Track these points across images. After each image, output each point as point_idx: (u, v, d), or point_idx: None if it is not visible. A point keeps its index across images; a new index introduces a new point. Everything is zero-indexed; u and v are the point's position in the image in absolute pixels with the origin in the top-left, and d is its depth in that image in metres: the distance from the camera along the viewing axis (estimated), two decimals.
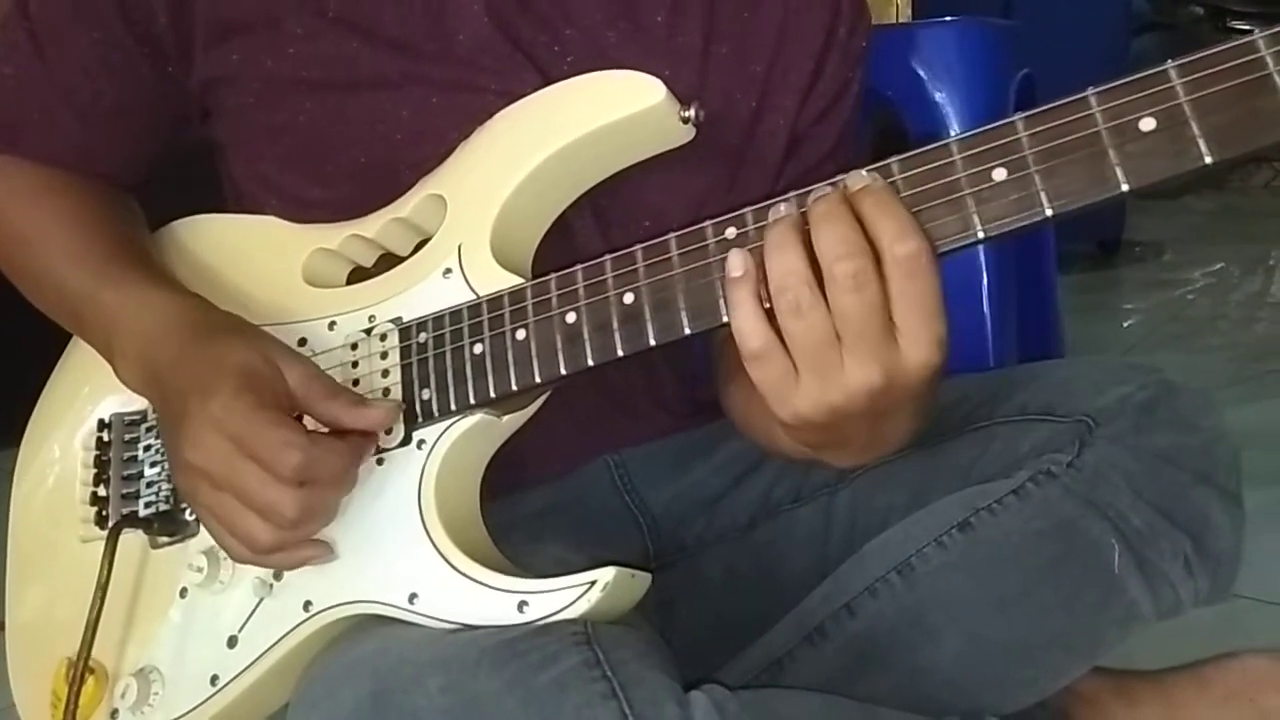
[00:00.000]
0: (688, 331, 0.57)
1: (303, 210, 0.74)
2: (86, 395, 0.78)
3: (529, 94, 0.67)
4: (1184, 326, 2.27)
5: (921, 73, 1.22)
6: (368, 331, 0.68)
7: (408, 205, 0.70)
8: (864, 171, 0.53)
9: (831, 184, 0.53)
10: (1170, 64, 0.47)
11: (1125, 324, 2.40)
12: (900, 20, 2.00)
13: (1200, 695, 0.83)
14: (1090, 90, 0.49)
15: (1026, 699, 0.71)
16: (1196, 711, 0.82)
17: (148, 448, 0.74)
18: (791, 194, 0.55)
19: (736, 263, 0.53)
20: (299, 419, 0.63)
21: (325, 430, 0.64)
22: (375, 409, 0.64)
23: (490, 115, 0.67)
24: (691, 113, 0.63)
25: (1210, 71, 0.46)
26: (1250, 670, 0.83)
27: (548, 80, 0.67)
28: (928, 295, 0.50)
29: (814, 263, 0.51)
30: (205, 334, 0.65)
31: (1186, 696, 0.83)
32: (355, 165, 0.71)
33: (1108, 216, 2.85)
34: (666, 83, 0.62)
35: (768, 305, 0.52)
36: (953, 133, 0.52)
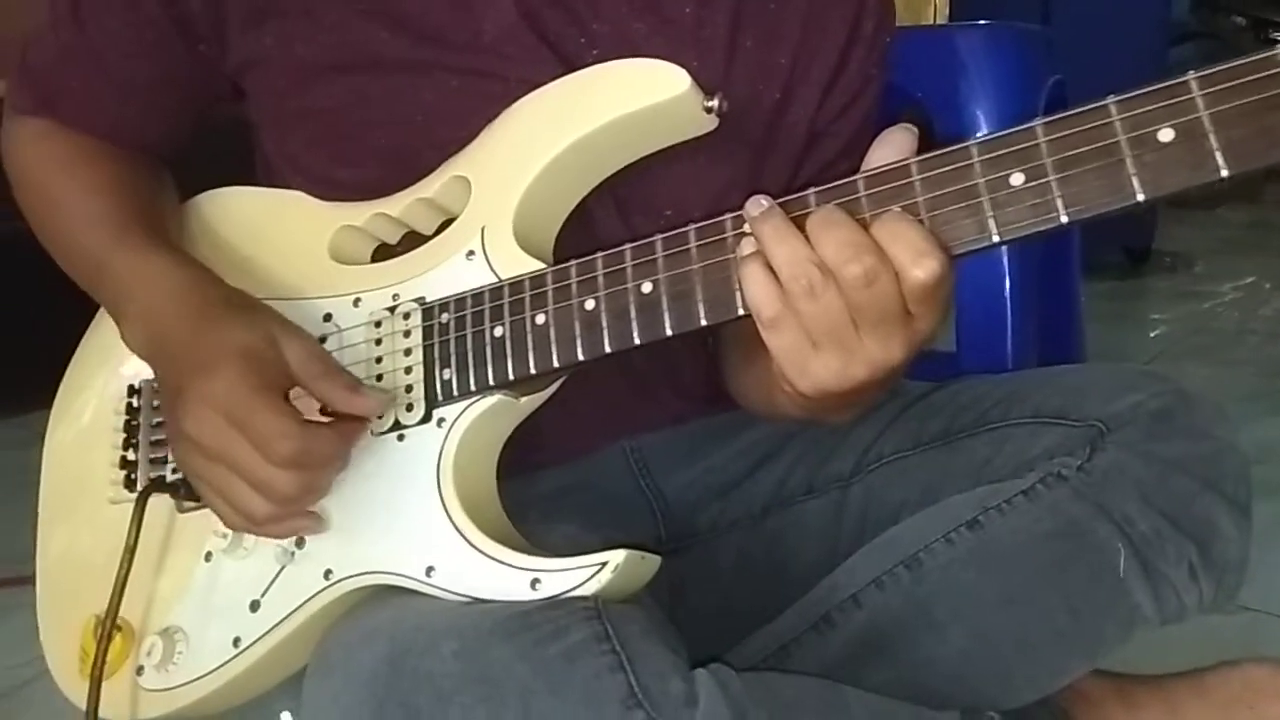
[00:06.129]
0: (704, 323, 0.58)
1: (330, 189, 0.75)
2: (117, 360, 0.80)
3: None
4: (1210, 339, 2.25)
5: (952, 75, 1.22)
6: (391, 310, 0.69)
7: (433, 186, 0.71)
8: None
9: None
10: (1191, 75, 0.47)
11: (1152, 334, 2.38)
12: (937, 21, 1.99)
13: (1201, 701, 0.83)
14: (1110, 99, 0.49)
15: (1028, 696, 0.72)
16: (1196, 717, 0.83)
17: None
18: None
19: (747, 241, 0.55)
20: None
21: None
22: (366, 397, 0.64)
23: (511, 101, 0.68)
24: (715, 103, 0.63)
25: (1231, 85, 0.46)
26: (1251, 678, 0.83)
27: (571, 72, 0.68)
28: (942, 287, 0.52)
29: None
30: (211, 310, 0.67)
31: (1187, 702, 0.83)
32: (378, 146, 0.73)
33: (1137, 225, 2.81)
34: (694, 74, 0.63)
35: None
36: (980, 136, 0.52)
